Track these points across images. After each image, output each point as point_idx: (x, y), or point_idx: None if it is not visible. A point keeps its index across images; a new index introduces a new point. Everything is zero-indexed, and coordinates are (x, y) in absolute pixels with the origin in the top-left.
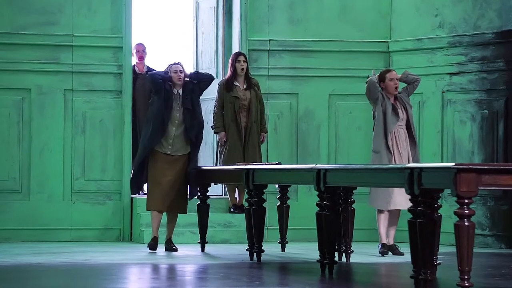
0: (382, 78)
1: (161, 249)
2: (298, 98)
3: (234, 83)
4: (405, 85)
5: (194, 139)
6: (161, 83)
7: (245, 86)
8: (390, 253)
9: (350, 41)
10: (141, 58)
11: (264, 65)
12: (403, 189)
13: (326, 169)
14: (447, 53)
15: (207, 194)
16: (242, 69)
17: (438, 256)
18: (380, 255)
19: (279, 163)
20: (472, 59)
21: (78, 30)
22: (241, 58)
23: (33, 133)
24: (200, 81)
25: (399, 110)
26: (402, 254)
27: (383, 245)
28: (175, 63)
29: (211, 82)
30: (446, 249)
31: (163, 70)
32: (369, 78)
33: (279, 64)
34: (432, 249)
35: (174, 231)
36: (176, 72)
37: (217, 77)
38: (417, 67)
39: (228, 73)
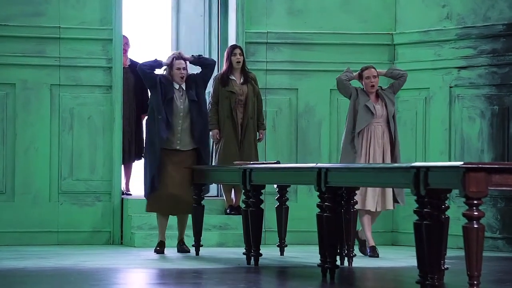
0: (360, 75)
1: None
2: (298, 93)
3: (230, 77)
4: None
5: (197, 134)
6: (154, 77)
7: (241, 81)
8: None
9: (353, 34)
10: (124, 51)
11: (262, 59)
12: (376, 190)
13: (327, 169)
14: (455, 46)
15: (202, 194)
16: (238, 62)
17: (445, 260)
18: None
19: (278, 162)
20: (481, 52)
21: (65, 22)
22: (237, 51)
23: (17, 130)
24: (204, 66)
25: (378, 107)
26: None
27: (372, 248)
28: (178, 58)
29: (214, 68)
30: (454, 253)
31: (152, 60)
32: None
33: (278, 58)
34: (440, 252)
35: (166, 234)
36: (179, 69)
37: None
38: (423, 60)
39: (224, 67)
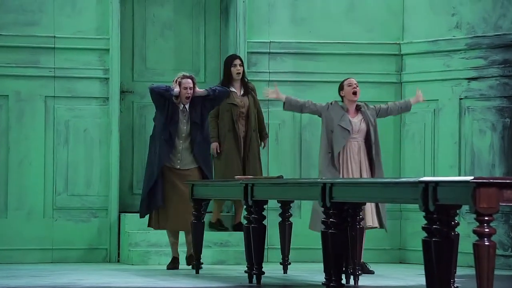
0: (341, 86)
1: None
2: None
3: (230, 89)
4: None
5: (198, 154)
6: (164, 100)
7: (242, 92)
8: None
9: (359, 43)
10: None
11: (264, 69)
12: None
13: (332, 183)
14: (465, 56)
15: (202, 210)
16: (238, 73)
17: (455, 279)
18: None
19: (281, 177)
20: (492, 62)
21: (61, 31)
22: (237, 61)
23: (10, 143)
24: (217, 99)
25: (355, 121)
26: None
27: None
28: (185, 77)
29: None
30: (464, 271)
31: (165, 85)
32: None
33: (281, 68)
34: (449, 271)
35: (165, 251)
36: (186, 88)
37: (204, 81)
38: (432, 71)
39: (223, 79)
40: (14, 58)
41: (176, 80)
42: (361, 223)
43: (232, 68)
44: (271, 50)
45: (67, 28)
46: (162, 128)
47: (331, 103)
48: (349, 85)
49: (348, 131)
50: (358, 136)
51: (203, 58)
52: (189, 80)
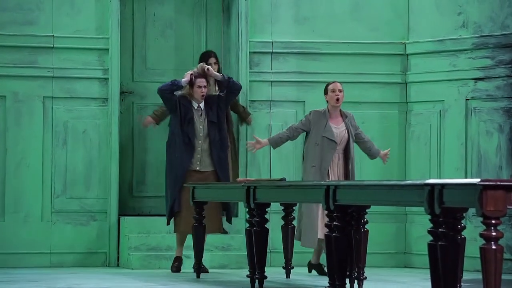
0: (325, 90)
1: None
2: (305, 106)
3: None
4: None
5: (216, 157)
6: (174, 100)
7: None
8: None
9: (363, 43)
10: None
11: (267, 70)
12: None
13: (336, 186)
14: (471, 56)
15: (203, 213)
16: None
17: (462, 284)
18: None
19: (284, 179)
20: (499, 62)
21: (59, 30)
22: (212, 60)
23: (8, 145)
24: (230, 90)
25: (337, 131)
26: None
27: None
28: (199, 75)
29: (239, 93)
30: (470, 276)
31: (172, 81)
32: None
33: (284, 69)
34: (455, 275)
35: (165, 255)
36: (200, 87)
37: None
38: (437, 71)
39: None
40: (12, 58)
41: (191, 73)
42: (365, 226)
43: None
44: (273, 50)
45: (66, 27)
46: (180, 131)
47: (310, 114)
48: (333, 91)
49: (335, 142)
50: (339, 147)
51: None
52: (203, 79)
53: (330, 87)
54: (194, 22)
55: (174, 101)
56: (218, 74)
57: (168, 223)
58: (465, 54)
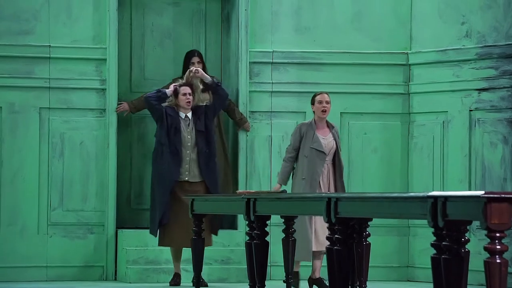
0: (312, 101)
1: None
2: (306, 117)
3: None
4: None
5: (204, 167)
6: (160, 110)
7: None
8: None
9: (365, 53)
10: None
11: (267, 80)
12: (322, 230)
13: (337, 198)
14: (475, 66)
15: (202, 226)
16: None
17: None
18: None
19: (284, 191)
20: (503, 73)
21: (56, 40)
22: (195, 59)
23: (4, 157)
24: (215, 94)
25: (325, 142)
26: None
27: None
28: (183, 84)
29: (225, 101)
30: None
31: (157, 90)
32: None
33: (284, 79)
34: None
35: (164, 269)
36: (185, 94)
37: None
38: (441, 82)
39: (183, 75)
40: (8, 68)
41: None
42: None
43: (190, 66)
44: (274, 60)
45: (63, 37)
46: (167, 141)
47: (299, 128)
48: (320, 103)
49: (324, 153)
50: (328, 157)
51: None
52: (187, 87)
53: (318, 98)
54: (193, 32)
55: (161, 110)
56: (207, 76)
57: (156, 235)
58: (468, 64)
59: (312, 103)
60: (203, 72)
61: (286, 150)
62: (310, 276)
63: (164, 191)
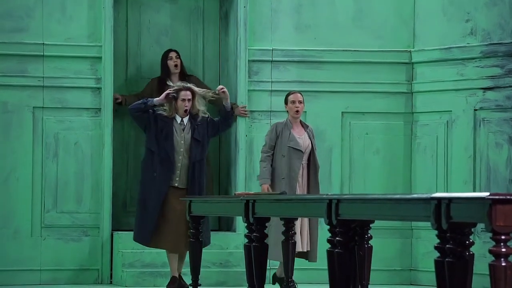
0: (285, 100)
1: None
2: (306, 116)
3: (168, 82)
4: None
5: (191, 176)
6: (145, 119)
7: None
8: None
9: (367, 51)
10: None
11: (267, 79)
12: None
13: (338, 200)
14: (480, 65)
15: (199, 229)
16: (176, 65)
17: None
18: None
19: (284, 193)
20: (509, 71)
21: (50, 38)
22: (173, 54)
23: None
24: (224, 121)
25: (301, 141)
26: None
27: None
28: (183, 87)
29: (227, 130)
30: None
31: (140, 102)
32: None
33: (284, 77)
34: None
35: (161, 272)
36: (184, 100)
37: None
38: (445, 80)
39: (161, 74)
40: (0, 67)
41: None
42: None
43: (169, 61)
44: (273, 58)
45: (57, 34)
46: (157, 147)
47: (274, 127)
48: (293, 102)
49: (302, 151)
50: (304, 156)
51: (202, 66)
52: (188, 92)
53: (290, 97)
54: (190, 29)
55: (146, 119)
56: (228, 101)
57: (145, 243)
58: (473, 62)
59: (285, 102)
60: (228, 94)
61: (261, 150)
62: (275, 273)
63: (159, 197)
